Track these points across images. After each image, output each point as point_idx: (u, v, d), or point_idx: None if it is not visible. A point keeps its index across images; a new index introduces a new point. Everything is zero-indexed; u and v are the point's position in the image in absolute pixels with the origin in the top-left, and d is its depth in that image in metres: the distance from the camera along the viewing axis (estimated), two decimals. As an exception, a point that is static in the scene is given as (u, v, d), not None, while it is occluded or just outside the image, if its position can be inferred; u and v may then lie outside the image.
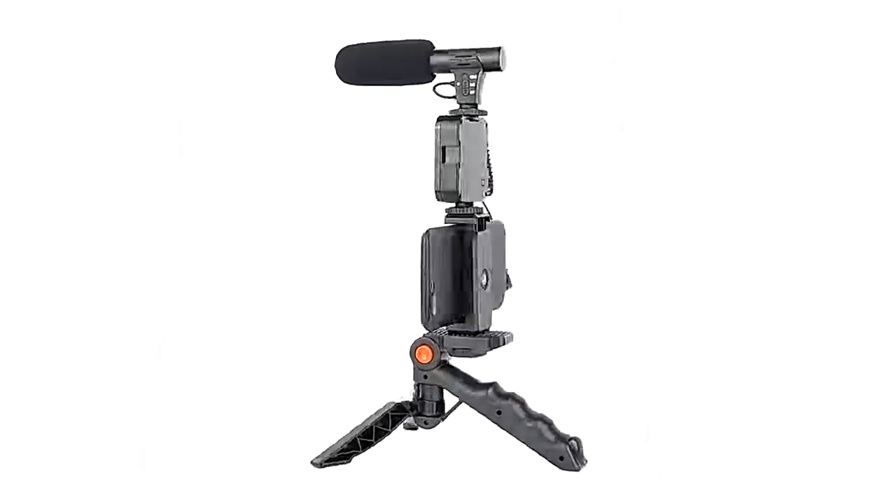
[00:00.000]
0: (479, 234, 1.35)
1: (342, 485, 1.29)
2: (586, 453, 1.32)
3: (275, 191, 1.85)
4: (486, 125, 1.38)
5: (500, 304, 1.43)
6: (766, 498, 1.24)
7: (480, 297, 1.35)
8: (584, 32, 1.75)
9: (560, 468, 1.29)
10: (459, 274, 1.34)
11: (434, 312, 1.29)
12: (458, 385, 1.36)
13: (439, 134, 1.33)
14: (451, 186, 1.32)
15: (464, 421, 1.40)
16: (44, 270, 1.83)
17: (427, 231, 1.28)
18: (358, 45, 1.40)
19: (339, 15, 1.76)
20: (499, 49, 1.33)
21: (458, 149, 1.32)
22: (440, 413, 1.39)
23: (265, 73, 1.82)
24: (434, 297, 1.28)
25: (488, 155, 1.40)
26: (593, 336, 1.72)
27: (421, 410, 1.39)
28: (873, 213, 1.76)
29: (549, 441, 1.30)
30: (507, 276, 1.45)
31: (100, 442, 1.44)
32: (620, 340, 1.71)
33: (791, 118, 1.77)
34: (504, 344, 1.36)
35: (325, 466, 1.32)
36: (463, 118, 1.32)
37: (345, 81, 1.41)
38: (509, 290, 1.46)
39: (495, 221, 1.40)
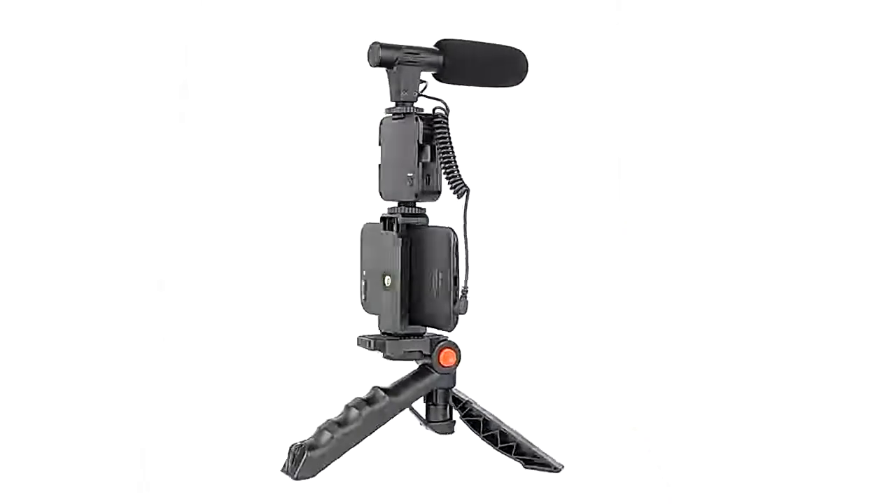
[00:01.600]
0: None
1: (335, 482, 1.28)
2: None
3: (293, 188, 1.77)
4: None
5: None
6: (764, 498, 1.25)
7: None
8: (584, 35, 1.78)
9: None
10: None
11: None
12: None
13: None
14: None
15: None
16: (39, 262, 1.75)
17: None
18: None
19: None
20: (371, 45, 1.27)
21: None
22: (419, 417, 1.35)
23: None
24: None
25: (448, 153, 1.27)
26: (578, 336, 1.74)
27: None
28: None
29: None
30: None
31: (99, 440, 1.41)
32: (611, 341, 1.75)
33: (787, 118, 1.79)
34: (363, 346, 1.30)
35: None
36: (384, 118, 1.33)
37: None
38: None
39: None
